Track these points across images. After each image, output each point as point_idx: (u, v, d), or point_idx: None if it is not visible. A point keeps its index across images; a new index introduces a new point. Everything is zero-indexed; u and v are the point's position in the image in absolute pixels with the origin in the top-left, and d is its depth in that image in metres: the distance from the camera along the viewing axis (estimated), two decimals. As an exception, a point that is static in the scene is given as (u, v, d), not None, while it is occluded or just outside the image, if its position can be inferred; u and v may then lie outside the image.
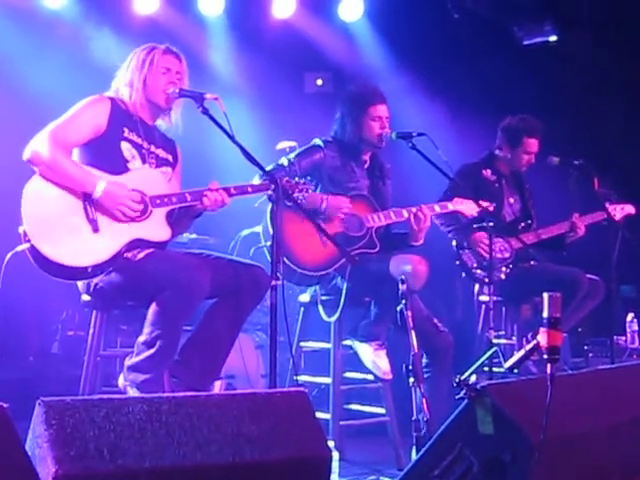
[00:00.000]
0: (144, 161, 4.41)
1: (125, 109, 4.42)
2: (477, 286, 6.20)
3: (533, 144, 6.28)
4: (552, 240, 6.24)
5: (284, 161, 5.19)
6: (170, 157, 4.59)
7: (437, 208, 5.38)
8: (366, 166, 5.46)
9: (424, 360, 5.15)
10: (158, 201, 4.28)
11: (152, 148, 4.48)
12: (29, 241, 4.00)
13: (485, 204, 5.35)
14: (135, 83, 4.43)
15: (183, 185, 4.60)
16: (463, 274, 6.17)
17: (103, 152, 4.29)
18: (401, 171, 6.01)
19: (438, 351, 5.18)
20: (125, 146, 4.36)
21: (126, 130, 4.38)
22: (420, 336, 4.80)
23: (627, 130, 7.98)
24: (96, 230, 4.12)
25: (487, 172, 6.31)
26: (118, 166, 4.30)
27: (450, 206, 5.42)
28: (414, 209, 5.21)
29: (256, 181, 4.69)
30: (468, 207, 5.41)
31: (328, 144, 5.34)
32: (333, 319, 5.18)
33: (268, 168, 4.92)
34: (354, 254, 5.01)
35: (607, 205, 6.16)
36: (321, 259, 5.08)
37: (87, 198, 4.14)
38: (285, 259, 4.91)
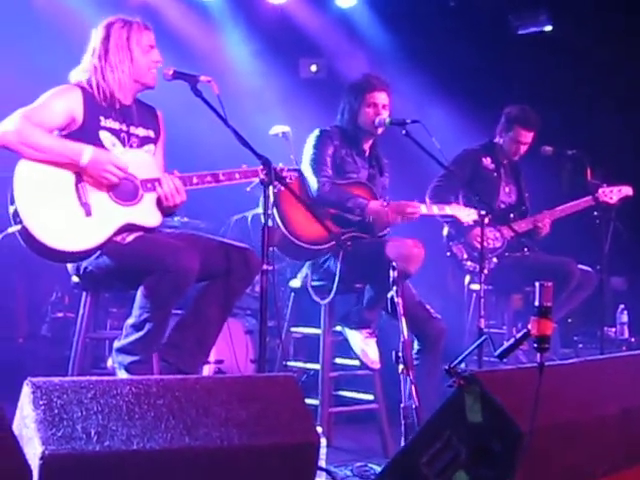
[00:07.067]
0: (124, 145, 4.32)
1: (97, 96, 4.28)
2: (468, 277, 6.21)
3: (523, 135, 6.26)
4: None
5: (319, 184, 5.20)
6: (151, 132, 4.50)
7: (435, 209, 5.40)
8: (366, 155, 5.47)
9: (415, 346, 5.17)
10: (149, 185, 4.26)
11: (131, 129, 4.39)
12: (20, 222, 3.97)
13: (482, 212, 5.29)
14: (123, 64, 4.30)
15: (168, 163, 4.55)
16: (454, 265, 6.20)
17: (83, 143, 4.16)
18: (403, 160, 6.03)
19: (429, 337, 5.19)
20: (104, 135, 4.26)
21: (102, 119, 4.28)
22: (412, 322, 4.82)
23: (621, 121, 7.98)
24: (89, 214, 4.09)
25: (487, 160, 6.31)
26: None
27: (448, 210, 5.42)
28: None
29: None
30: (464, 213, 5.39)
31: (333, 134, 5.35)
32: (326, 301, 5.17)
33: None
34: (347, 237, 5.07)
35: (603, 187, 6.14)
36: (318, 235, 5.05)
37: (78, 175, 4.10)
38: (283, 228, 4.93)
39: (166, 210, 4.34)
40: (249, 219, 6.65)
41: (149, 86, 4.42)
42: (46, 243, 3.98)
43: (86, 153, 4.08)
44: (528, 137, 6.28)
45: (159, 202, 4.28)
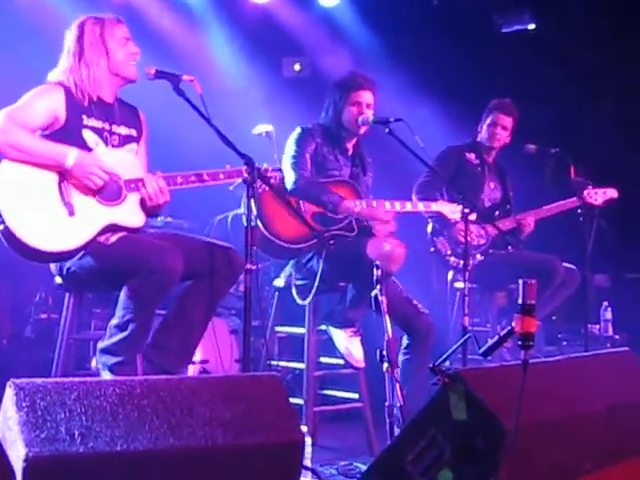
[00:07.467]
0: (107, 144, 4.30)
1: (78, 94, 4.25)
2: (451, 273, 6.21)
3: (501, 118, 6.28)
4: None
5: (295, 177, 5.20)
6: (133, 131, 4.48)
7: (421, 206, 5.45)
8: (349, 153, 5.46)
9: (405, 341, 5.19)
10: (132, 185, 4.24)
11: (113, 128, 4.36)
12: (2, 222, 3.95)
13: (466, 210, 5.29)
14: (99, 60, 4.27)
15: (150, 162, 4.53)
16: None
17: (67, 143, 4.13)
18: (387, 159, 6.04)
19: (419, 332, 5.20)
20: (87, 134, 4.24)
21: (85, 117, 4.25)
22: (400, 318, 4.86)
23: (605, 118, 8.01)
24: (72, 214, 4.07)
25: (471, 155, 6.33)
26: None
27: (434, 207, 5.43)
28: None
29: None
30: (450, 209, 5.40)
31: (315, 132, 5.34)
32: (306, 302, 5.17)
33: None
34: (329, 235, 5.06)
35: (588, 189, 6.17)
36: (299, 234, 5.05)
37: (61, 175, 4.08)
38: (262, 228, 4.92)
39: (150, 210, 4.32)
40: (229, 219, 6.64)
41: (130, 79, 4.38)
42: (28, 243, 3.96)
43: (71, 155, 4.06)
44: (506, 121, 6.30)
45: (143, 202, 4.26)
